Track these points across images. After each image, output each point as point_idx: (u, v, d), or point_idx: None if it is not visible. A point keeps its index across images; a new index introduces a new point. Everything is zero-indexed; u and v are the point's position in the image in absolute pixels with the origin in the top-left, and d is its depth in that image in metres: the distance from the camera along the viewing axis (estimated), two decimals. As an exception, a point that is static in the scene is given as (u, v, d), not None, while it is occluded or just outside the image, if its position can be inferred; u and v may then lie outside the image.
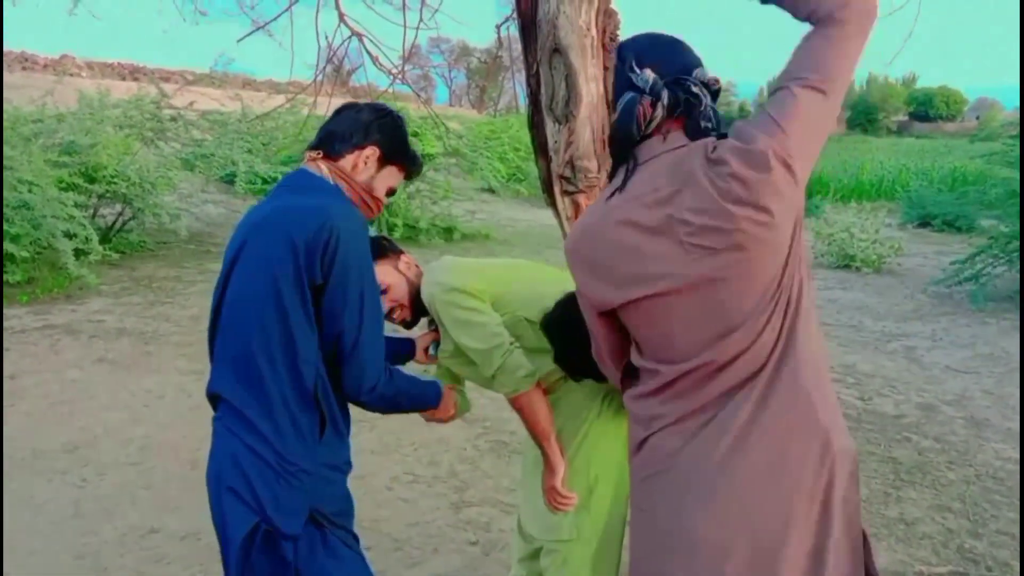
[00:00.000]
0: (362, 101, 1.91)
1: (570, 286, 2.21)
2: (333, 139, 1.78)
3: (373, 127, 1.79)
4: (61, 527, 3.29)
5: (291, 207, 1.67)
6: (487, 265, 2.20)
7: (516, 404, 2.06)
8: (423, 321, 2.26)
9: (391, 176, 1.83)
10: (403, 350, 2.28)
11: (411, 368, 2.33)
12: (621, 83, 1.45)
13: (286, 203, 1.70)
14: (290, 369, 1.61)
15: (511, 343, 2.03)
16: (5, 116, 7.47)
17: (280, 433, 1.61)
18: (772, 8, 1.38)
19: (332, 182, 1.73)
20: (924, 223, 14.47)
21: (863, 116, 49.45)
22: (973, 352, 6.47)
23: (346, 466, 1.74)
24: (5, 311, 6.40)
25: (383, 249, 2.12)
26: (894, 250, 10.21)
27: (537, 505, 2.19)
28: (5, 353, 5.40)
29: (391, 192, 1.86)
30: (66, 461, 3.90)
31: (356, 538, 1.78)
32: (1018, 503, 3.78)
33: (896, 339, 6.83)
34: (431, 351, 2.28)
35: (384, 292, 2.04)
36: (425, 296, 2.07)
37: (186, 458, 3.98)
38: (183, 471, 3.85)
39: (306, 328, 1.60)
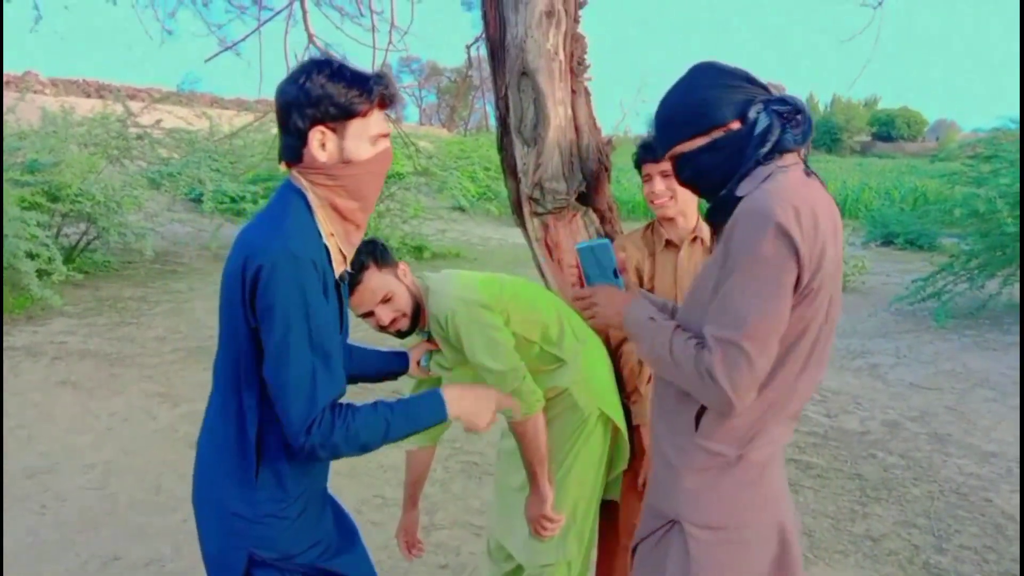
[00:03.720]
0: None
1: (562, 307, 2.23)
2: (283, 142, 1.54)
3: (302, 104, 1.47)
4: (19, 557, 3.20)
5: (244, 232, 1.54)
6: (494, 280, 2.15)
7: (520, 429, 2.02)
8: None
9: (362, 129, 1.50)
10: (397, 365, 2.16)
11: (403, 381, 2.27)
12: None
13: (248, 225, 1.57)
14: (237, 414, 1.54)
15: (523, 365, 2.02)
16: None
17: (227, 477, 1.57)
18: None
19: (302, 189, 1.53)
20: (887, 241, 14.72)
21: (827, 136, 50.42)
22: (935, 369, 6.58)
23: (288, 512, 1.58)
24: (-37, 333, 6.26)
25: (385, 257, 2.00)
26: (858, 268, 10.37)
27: (521, 531, 2.18)
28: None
29: (380, 138, 1.54)
30: (25, 487, 3.81)
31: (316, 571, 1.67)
32: (981, 518, 3.84)
33: (861, 356, 6.93)
34: (422, 363, 2.19)
35: (387, 301, 1.98)
36: (442, 309, 2.00)
37: (151, 483, 3.91)
38: (147, 496, 3.77)
39: (252, 373, 1.50)
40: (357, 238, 1.62)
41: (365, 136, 1.51)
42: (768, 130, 1.42)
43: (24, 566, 3.14)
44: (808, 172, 1.45)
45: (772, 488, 1.51)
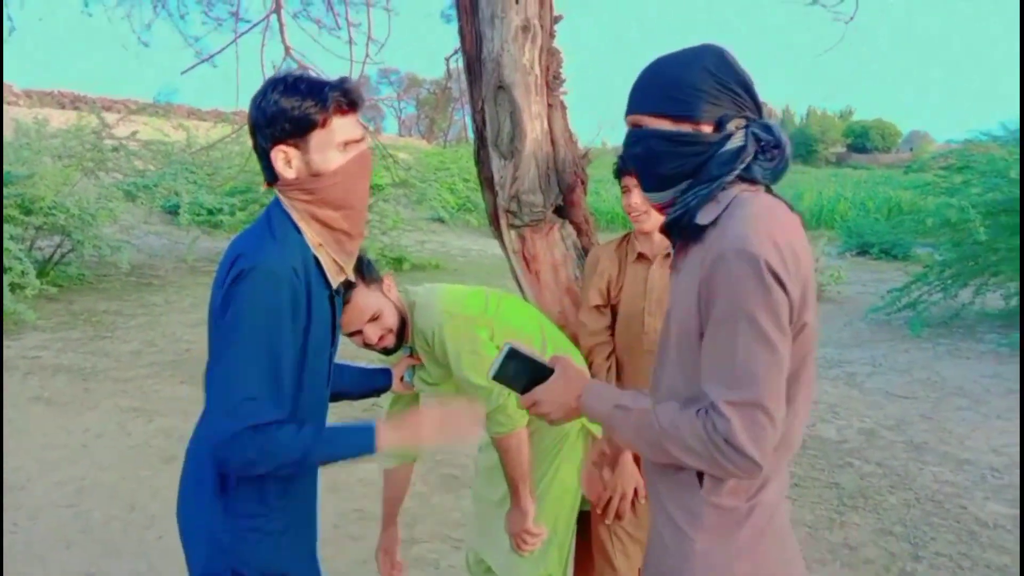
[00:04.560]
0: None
1: (544, 321, 2.22)
2: (260, 164, 1.53)
3: (261, 125, 1.45)
4: (-10, 575, 3.15)
5: (232, 243, 1.53)
6: (479, 293, 2.14)
7: (504, 444, 2.01)
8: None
9: (325, 139, 1.45)
10: (380, 381, 2.14)
11: (387, 397, 2.25)
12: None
13: (236, 236, 1.56)
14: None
15: None
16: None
17: (207, 490, 1.54)
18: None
19: (284, 206, 1.51)
20: (862, 251, 14.89)
21: (803, 148, 50.99)
22: (911, 377, 6.65)
23: (269, 526, 1.54)
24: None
25: (371, 272, 1.96)
26: (834, 278, 10.47)
27: (502, 544, 2.17)
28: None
29: (350, 143, 1.48)
30: (-4, 505, 3.75)
31: None
32: (956, 525, 3.88)
33: (837, 365, 7.00)
34: (406, 378, 2.17)
35: (376, 319, 1.94)
36: (428, 324, 1.98)
37: (125, 500, 3.86)
38: (122, 513, 3.72)
39: None
40: (352, 246, 1.59)
41: (331, 145, 1.46)
42: (740, 152, 1.27)
43: (-6, 586, 3.08)
44: (773, 195, 1.32)
45: (786, 527, 1.37)
